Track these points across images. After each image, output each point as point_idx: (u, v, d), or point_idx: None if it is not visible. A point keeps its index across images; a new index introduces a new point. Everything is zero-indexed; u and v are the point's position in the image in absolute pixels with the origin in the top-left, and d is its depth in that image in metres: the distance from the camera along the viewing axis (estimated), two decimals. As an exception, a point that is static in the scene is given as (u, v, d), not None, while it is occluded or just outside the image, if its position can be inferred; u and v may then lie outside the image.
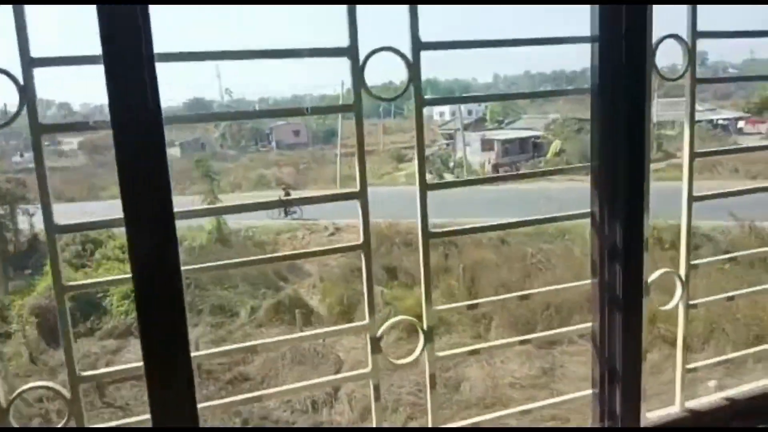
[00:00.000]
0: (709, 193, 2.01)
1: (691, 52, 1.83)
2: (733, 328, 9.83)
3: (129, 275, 1.32)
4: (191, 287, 15.13)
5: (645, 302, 1.83)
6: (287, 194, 22.33)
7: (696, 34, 1.82)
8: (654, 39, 1.73)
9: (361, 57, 1.51)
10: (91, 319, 14.87)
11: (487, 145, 29.95)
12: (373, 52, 1.51)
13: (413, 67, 1.56)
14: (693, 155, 1.91)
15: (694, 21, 1.81)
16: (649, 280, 1.86)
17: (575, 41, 1.74)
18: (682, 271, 1.97)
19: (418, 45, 1.55)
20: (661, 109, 27.08)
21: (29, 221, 21.00)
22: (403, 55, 1.54)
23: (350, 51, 1.50)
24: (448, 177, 29.59)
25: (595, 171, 1.79)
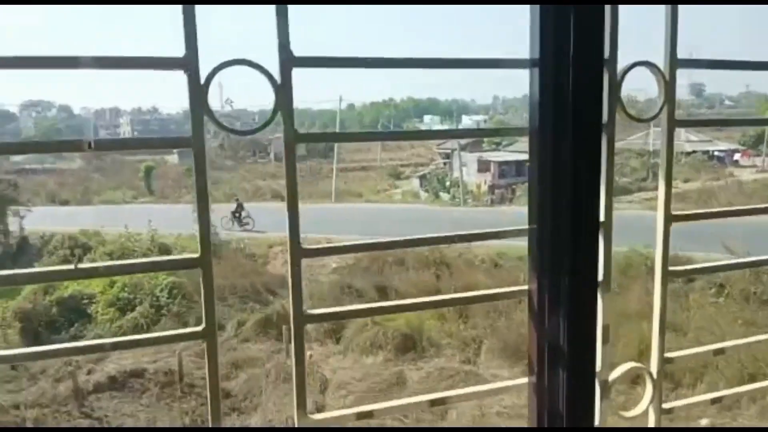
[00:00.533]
0: (688, 267, 1.67)
1: (668, 85, 1.41)
2: (726, 364, 9.65)
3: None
4: (178, 297, 14.92)
5: (602, 408, 1.43)
6: (239, 206, 22.31)
7: (675, 62, 1.40)
8: (621, 66, 1.37)
9: (206, 72, 1.12)
10: (76, 326, 14.62)
11: (483, 166, 29.94)
12: (221, 66, 1.12)
13: (282, 88, 1.16)
14: (670, 218, 1.48)
15: (674, 44, 1.40)
16: (611, 378, 1.44)
17: (509, 65, 1.34)
18: (654, 366, 1.50)
19: (289, 60, 1.16)
20: (657, 137, 27.11)
21: (19, 223, 20.81)
22: (266, 73, 1.16)
23: (186, 63, 1.11)
24: (444, 196, 29.57)
25: (532, 239, 1.36)
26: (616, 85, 1.35)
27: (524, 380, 1.42)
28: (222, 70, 1.13)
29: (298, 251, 1.24)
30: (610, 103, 1.35)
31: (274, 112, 1.18)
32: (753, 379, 9.55)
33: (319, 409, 10.52)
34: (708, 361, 9.94)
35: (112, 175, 35.16)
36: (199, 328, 1.21)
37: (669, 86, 1.41)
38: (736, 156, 33.95)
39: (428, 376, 11.27)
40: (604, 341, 1.40)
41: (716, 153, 33.26)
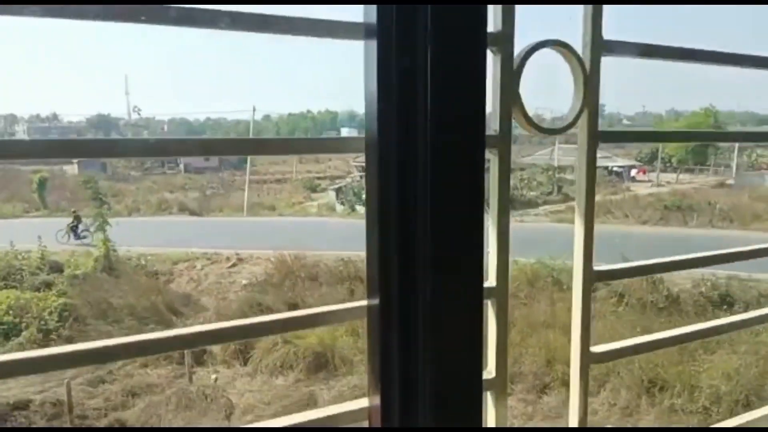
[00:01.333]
0: (612, 348, 1.29)
1: (588, 80, 0.96)
2: (628, 372, 10.03)
3: None
4: (69, 320, 13.72)
5: None
6: (77, 219, 20.28)
7: (600, 44, 0.96)
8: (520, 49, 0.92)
9: None
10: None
11: (399, 179, 30.06)
12: None
13: None
14: (591, 276, 1.20)
15: (597, 21, 0.95)
16: None
17: (332, 33, 0.84)
18: None
19: None
20: (563, 154, 28.53)
21: None
22: None
23: None
24: (360, 209, 29.43)
25: (373, 321, 0.86)
26: (511, 76, 0.87)
27: None
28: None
29: None
30: (502, 102, 0.89)
31: None
32: (652, 384, 10.01)
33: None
34: (610, 368, 10.31)
35: (2, 187, 32.32)
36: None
37: (590, 81, 0.95)
38: (633, 172, 36.32)
39: (340, 395, 10.93)
40: None
41: (615, 168, 35.41)
